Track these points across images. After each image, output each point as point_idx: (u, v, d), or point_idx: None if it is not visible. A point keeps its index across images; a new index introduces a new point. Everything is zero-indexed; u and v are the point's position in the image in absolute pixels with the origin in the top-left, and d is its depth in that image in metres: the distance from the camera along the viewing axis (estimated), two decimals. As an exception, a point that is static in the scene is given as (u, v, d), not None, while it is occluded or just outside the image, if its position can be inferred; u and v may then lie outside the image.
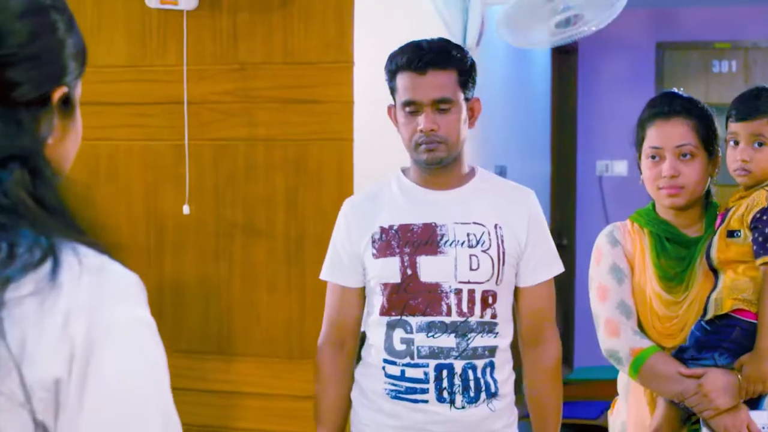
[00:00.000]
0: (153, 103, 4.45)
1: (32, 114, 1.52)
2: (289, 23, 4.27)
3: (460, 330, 3.19)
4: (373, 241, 3.27)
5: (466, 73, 3.24)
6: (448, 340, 3.19)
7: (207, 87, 4.37)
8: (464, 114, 3.24)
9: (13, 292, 1.40)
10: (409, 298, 3.22)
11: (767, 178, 3.16)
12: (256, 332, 4.36)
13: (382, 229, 3.27)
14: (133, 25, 4.46)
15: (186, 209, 4.34)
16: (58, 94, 1.56)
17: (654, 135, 3.26)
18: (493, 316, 3.24)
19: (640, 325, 3.26)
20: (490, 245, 3.23)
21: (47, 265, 1.42)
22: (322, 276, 3.41)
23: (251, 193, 4.35)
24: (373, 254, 3.27)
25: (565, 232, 9.00)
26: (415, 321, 3.20)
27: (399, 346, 3.23)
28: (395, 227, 3.26)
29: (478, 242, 3.22)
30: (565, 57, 9.04)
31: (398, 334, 3.23)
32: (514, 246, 3.26)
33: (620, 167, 9.08)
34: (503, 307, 3.27)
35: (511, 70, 7.42)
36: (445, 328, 3.19)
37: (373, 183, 3.46)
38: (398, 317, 3.23)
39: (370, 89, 4.23)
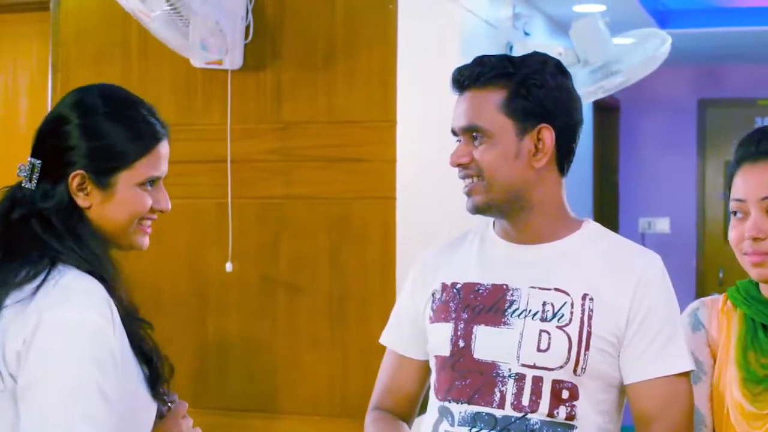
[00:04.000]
0: (197, 162, 4.47)
1: (52, 187, 2.18)
2: (332, 82, 4.30)
3: (514, 429, 2.37)
4: (433, 301, 2.57)
5: (520, 91, 2.44)
6: None
7: (251, 146, 4.40)
8: (512, 147, 2.43)
9: (9, 300, 2.09)
10: (455, 378, 2.46)
11: None
12: (299, 390, 4.35)
13: (444, 287, 2.55)
14: (179, 84, 4.49)
15: (229, 266, 4.35)
16: (72, 177, 2.17)
17: (739, 184, 2.44)
18: (570, 417, 2.38)
19: None
20: (570, 321, 2.39)
21: (36, 282, 2.08)
22: (381, 339, 2.74)
23: (294, 251, 4.36)
24: (430, 317, 2.56)
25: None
26: (458, 410, 2.44)
27: None
28: (459, 285, 2.52)
29: (554, 315, 2.41)
30: (606, 114, 9.05)
31: (442, 426, 2.47)
32: (608, 325, 2.40)
33: (662, 225, 9.04)
34: (589, 407, 2.40)
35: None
36: (493, 424, 2.39)
37: (464, 231, 2.70)
38: (443, 402, 2.48)
39: (413, 148, 4.24)
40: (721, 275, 8.70)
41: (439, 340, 2.50)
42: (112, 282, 2.18)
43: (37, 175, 2.19)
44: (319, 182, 4.31)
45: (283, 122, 4.37)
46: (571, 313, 2.40)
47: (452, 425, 2.43)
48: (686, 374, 2.42)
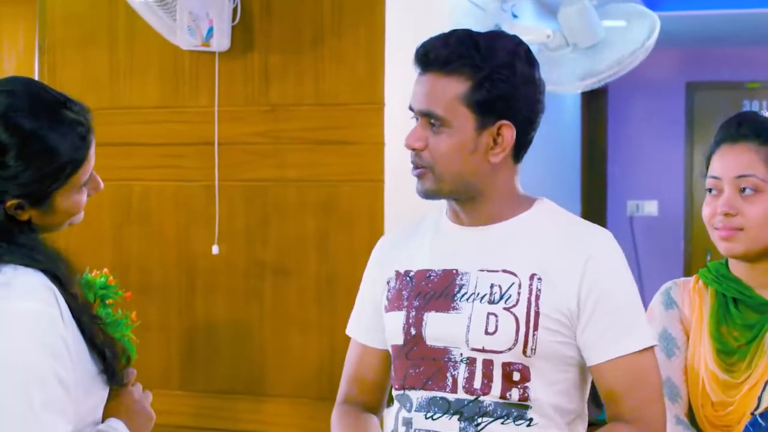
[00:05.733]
0: (184, 144, 4.47)
1: None
2: (320, 65, 4.29)
3: (467, 412, 2.35)
4: (388, 290, 2.54)
5: (484, 84, 2.35)
6: (449, 424, 2.37)
7: (238, 128, 4.39)
8: (469, 141, 2.37)
9: None
10: (409, 366, 2.44)
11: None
12: (287, 373, 4.35)
13: (397, 275, 2.52)
14: (166, 66, 4.49)
15: (215, 249, 4.36)
16: (9, 204, 2.12)
17: (716, 162, 2.59)
18: (524, 398, 2.34)
19: (691, 412, 2.60)
20: (517, 302, 2.35)
21: None
22: (347, 329, 2.73)
23: (282, 234, 4.36)
24: (385, 306, 2.54)
25: (596, 273, 8.95)
26: (415, 396, 2.42)
27: (400, 429, 2.45)
28: (411, 273, 2.49)
29: (502, 297, 2.36)
30: (594, 97, 9.05)
31: (402, 413, 2.46)
32: (557, 305, 2.35)
33: (650, 207, 9.06)
34: (543, 388, 2.36)
35: (541, 111, 7.40)
36: (446, 408, 2.37)
37: (421, 216, 2.66)
38: (401, 391, 2.46)
39: (401, 130, 4.22)
40: (708, 257, 8.71)
41: (393, 328, 2.47)
42: (64, 278, 2.15)
43: None
44: (306, 165, 4.31)
45: (270, 105, 4.36)
46: (519, 293, 2.34)
47: (409, 411, 2.42)
48: (650, 349, 2.37)
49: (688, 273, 8.61)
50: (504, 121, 2.36)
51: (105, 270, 3.80)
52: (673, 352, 2.61)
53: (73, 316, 2.14)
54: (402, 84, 4.28)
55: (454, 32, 2.40)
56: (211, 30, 4.23)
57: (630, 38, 5.51)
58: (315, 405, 4.29)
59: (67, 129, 2.15)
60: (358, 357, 2.66)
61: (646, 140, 9.22)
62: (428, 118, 2.37)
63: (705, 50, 9.18)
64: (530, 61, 2.42)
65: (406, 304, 2.45)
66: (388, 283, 2.54)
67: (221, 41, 4.28)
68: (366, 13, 4.23)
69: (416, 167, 2.41)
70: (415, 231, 2.58)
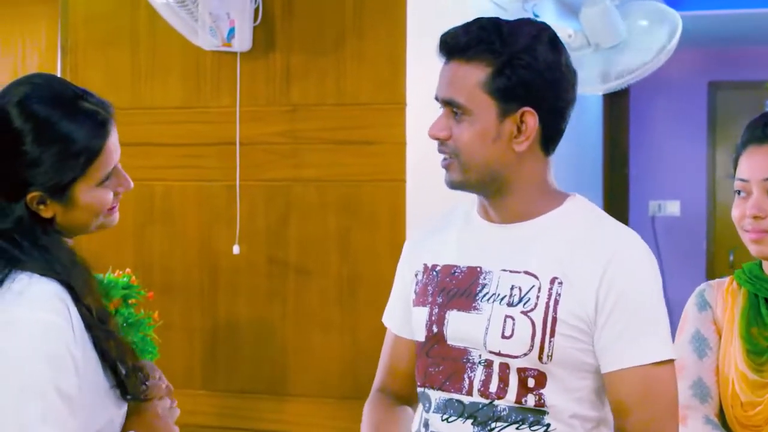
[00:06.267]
0: (206, 144, 4.48)
1: (8, 204, 2.12)
2: (341, 65, 4.29)
3: (480, 416, 2.29)
4: (416, 283, 2.48)
5: (504, 70, 2.27)
6: (463, 428, 2.31)
7: (259, 128, 4.40)
8: (491, 129, 2.29)
9: None
10: (430, 364, 2.39)
11: None
12: (309, 373, 4.35)
13: (425, 268, 2.47)
14: (188, 67, 4.49)
15: (236, 249, 4.36)
16: (30, 197, 2.11)
17: (743, 164, 2.55)
18: (540, 404, 2.26)
19: (722, 413, 2.57)
20: (535, 306, 2.26)
21: None
22: (383, 318, 2.66)
23: (303, 233, 4.36)
24: (413, 300, 2.48)
25: (618, 273, 8.93)
26: (434, 396, 2.38)
27: (421, 429, 2.42)
28: (438, 268, 2.43)
29: (521, 300, 2.28)
30: (616, 97, 9.02)
31: (422, 413, 2.43)
32: (575, 310, 2.25)
33: (673, 207, 9.03)
34: (561, 395, 2.28)
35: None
36: (461, 411, 2.32)
37: (453, 207, 2.58)
38: (422, 388, 2.42)
39: (422, 130, 4.21)
40: (731, 258, 8.68)
41: (417, 325, 2.42)
42: (80, 290, 2.11)
43: None
44: (328, 165, 4.31)
45: (291, 105, 4.36)
46: (537, 297, 2.25)
47: (428, 412, 2.38)
48: (667, 363, 2.25)
49: (710, 273, 8.60)
50: (527, 108, 2.28)
51: (127, 270, 3.83)
52: (705, 353, 2.57)
53: (87, 329, 2.11)
54: (423, 83, 4.27)
55: (478, 19, 2.34)
56: (232, 30, 4.24)
57: (652, 39, 5.49)
58: (337, 405, 4.29)
59: (82, 117, 2.14)
60: (392, 347, 2.60)
61: (668, 140, 9.19)
62: (451, 106, 2.31)
63: (727, 50, 9.14)
64: (555, 47, 2.33)
65: (430, 300, 2.39)
66: (416, 275, 2.47)
67: (243, 41, 4.28)
68: (387, 12, 4.23)
69: (443, 157, 2.34)
70: (446, 223, 2.51)
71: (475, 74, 2.27)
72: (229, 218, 4.42)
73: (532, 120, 2.28)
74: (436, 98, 2.36)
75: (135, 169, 4.42)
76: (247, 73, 4.39)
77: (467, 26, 2.32)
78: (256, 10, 4.32)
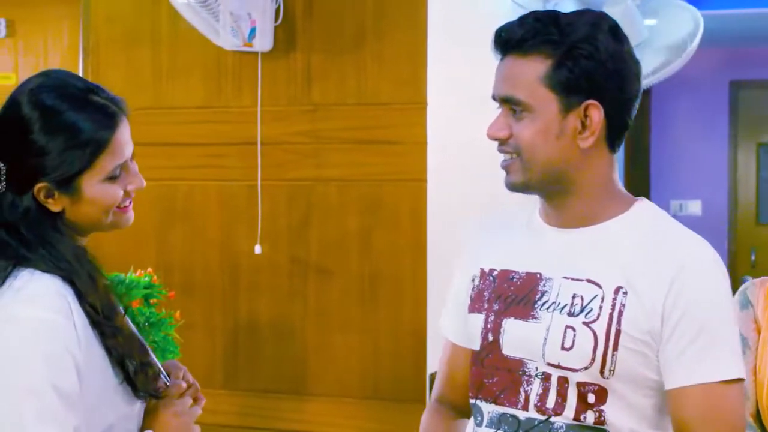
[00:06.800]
0: (227, 144, 4.49)
1: (17, 196, 2.12)
2: (362, 65, 4.30)
3: None
4: (472, 288, 2.34)
5: (565, 62, 2.13)
6: None
7: (280, 128, 4.40)
8: (554, 125, 2.15)
9: None
10: (484, 375, 2.25)
11: None
12: (330, 372, 4.36)
13: (482, 273, 2.32)
14: (209, 67, 4.50)
15: (258, 249, 4.37)
16: (37, 189, 2.10)
17: None
18: (599, 421, 2.11)
19: (758, 413, 2.53)
20: (598, 317, 2.11)
21: None
22: (440, 325, 2.51)
23: (324, 233, 4.36)
24: (468, 306, 2.33)
25: (639, 273, 8.92)
26: (487, 410, 2.24)
27: None
28: (495, 272, 2.29)
29: (582, 310, 2.13)
30: (637, 96, 9.01)
31: (473, 426, 2.30)
32: (640, 323, 2.09)
33: (694, 207, 9.00)
34: (622, 412, 2.12)
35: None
36: (516, 427, 2.19)
37: (516, 208, 2.43)
38: (474, 400, 2.28)
39: (443, 130, 4.23)
40: (753, 257, 8.66)
41: (472, 332, 2.27)
42: (83, 286, 2.09)
43: (5, 178, 2.13)
44: (349, 164, 4.32)
45: (313, 104, 4.37)
46: (601, 308, 2.10)
47: (480, 426, 2.25)
48: (735, 382, 2.08)
49: (732, 272, 8.56)
50: (591, 101, 2.13)
51: (149, 269, 3.83)
52: (743, 352, 2.43)
53: (92, 326, 2.09)
54: (444, 83, 4.27)
55: (533, 12, 2.20)
56: (253, 30, 4.25)
57: (674, 38, 5.47)
58: (358, 404, 4.29)
59: (91, 109, 2.14)
60: (448, 355, 2.46)
61: (690, 140, 9.16)
62: (509, 104, 2.16)
63: (748, 49, 9.10)
64: (617, 35, 2.20)
65: (486, 306, 2.25)
66: (473, 280, 2.33)
67: (264, 42, 4.29)
68: (408, 12, 4.23)
69: (503, 153, 2.20)
70: (506, 224, 2.37)
71: (533, 68, 2.14)
72: (251, 218, 4.42)
73: (596, 114, 2.14)
74: (493, 97, 2.22)
75: (156, 169, 4.46)
76: (268, 73, 4.40)
77: (522, 19, 2.18)
78: (277, 10, 4.32)
